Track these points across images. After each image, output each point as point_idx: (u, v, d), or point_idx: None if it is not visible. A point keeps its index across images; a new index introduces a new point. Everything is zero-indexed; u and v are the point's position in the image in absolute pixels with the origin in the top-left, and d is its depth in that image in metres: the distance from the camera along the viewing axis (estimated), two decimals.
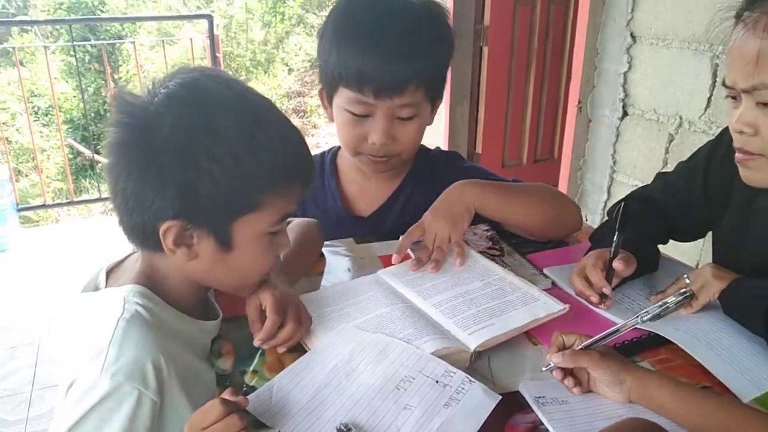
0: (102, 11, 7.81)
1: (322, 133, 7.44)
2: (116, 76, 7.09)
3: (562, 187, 2.80)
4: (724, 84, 0.89)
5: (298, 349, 0.89)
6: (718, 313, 0.95)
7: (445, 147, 2.11)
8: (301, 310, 0.91)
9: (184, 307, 0.85)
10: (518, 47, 3.31)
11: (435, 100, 1.22)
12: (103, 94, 6.96)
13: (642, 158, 2.40)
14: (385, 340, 0.86)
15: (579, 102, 2.64)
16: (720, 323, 0.93)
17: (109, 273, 0.88)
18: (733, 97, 0.89)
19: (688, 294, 0.92)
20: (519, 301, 0.96)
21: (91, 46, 6.97)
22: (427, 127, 1.25)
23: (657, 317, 0.84)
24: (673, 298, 0.89)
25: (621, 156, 2.52)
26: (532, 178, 1.42)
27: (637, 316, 0.85)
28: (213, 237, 0.80)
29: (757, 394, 0.81)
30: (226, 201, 0.77)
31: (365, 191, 1.33)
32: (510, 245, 1.21)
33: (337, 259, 1.18)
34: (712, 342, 0.89)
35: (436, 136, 3.17)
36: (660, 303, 0.87)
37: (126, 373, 0.72)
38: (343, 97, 1.16)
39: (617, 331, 0.83)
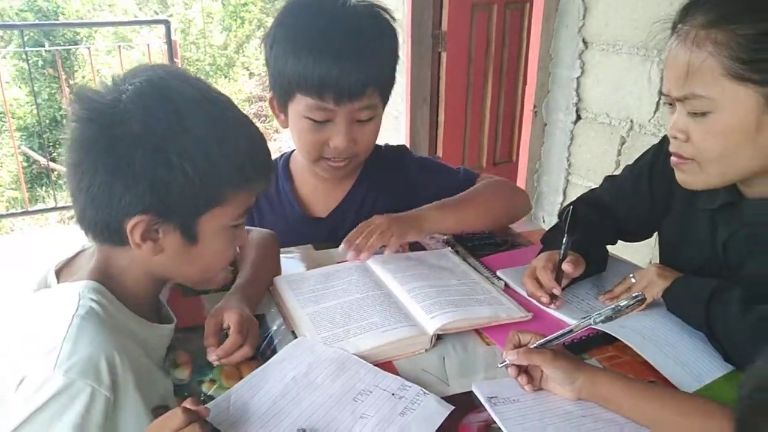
0: (63, 15, 7.61)
1: (284, 137, 7.40)
2: (72, 82, 6.91)
3: None
4: (661, 92, 0.93)
5: (257, 358, 0.90)
6: (662, 310, 0.99)
7: None
8: (258, 336, 0.93)
9: (137, 307, 0.85)
10: (476, 53, 3.36)
11: (387, 99, 1.25)
12: (58, 99, 6.77)
13: (595, 160, 2.46)
14: (343, 356, 0.88)
15: (534, 106, 2.70)
16: (664, 320, 0.97)
17: (59, 272, 0.88)
18: (670, 104, 0.94)
19: (640, 298, 0.95)
20: (486, 301, 1.02)
21: (45, 51, 6.78)
22: (389, 132, 1.28)
23: (609, 319, 0.87)
24: (626, 302, 0.91)
25: (575, 158, 2.58)
26: None
27: (590, 318, 0.87)
28: (179, 231, 0.81)
29: (697, 387, 0.85)
30: (196, 196, 0.79)
31: (320, 192, 1.35)
32: (466, 248, 1.24)
33: (295, 265, 1.19)
34: (656, 339, 0.93)
35: (397, 140, 3.19)
36: (613, 306, 0.88)
37: (79, 370, 0.72)
38: (301, 104, 1.16)
39: (571, 331, 0.86)
